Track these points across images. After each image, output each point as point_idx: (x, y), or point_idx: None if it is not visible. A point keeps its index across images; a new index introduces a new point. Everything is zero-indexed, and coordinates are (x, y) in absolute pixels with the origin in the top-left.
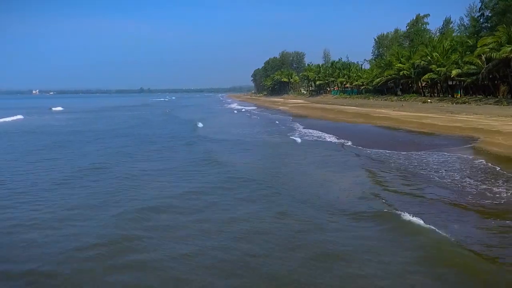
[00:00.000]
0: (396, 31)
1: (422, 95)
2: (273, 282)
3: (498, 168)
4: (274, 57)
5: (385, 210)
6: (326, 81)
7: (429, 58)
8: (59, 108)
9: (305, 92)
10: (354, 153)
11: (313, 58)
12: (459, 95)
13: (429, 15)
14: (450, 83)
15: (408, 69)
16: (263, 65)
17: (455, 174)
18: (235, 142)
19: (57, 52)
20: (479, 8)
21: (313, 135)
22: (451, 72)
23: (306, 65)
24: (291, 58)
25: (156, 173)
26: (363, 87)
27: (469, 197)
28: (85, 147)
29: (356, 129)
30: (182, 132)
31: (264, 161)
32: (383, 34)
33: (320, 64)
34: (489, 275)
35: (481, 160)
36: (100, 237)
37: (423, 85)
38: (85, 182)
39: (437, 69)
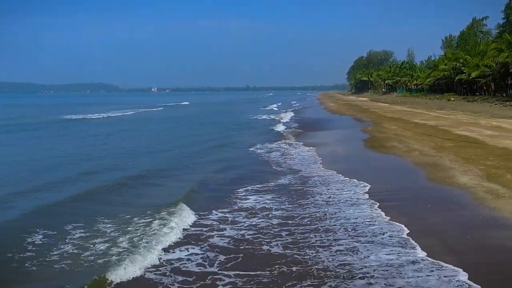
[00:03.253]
0: None
1: (464, 94)
2: None
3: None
4: (361, 57)
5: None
6: (395, 80)
7: (462, 60)
8: (186, 103)
9: (385, 90)
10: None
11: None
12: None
13: (487, 17)
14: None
15: (448, 70)
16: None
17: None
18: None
19: (171, 52)
20: (505, 15)
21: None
22: (471, 74)
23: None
24: (379, 57)
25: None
26: (420, 86)
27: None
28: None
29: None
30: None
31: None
32: (451, 35)
33: (391, 65)
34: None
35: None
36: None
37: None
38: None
39: (465, 71)
